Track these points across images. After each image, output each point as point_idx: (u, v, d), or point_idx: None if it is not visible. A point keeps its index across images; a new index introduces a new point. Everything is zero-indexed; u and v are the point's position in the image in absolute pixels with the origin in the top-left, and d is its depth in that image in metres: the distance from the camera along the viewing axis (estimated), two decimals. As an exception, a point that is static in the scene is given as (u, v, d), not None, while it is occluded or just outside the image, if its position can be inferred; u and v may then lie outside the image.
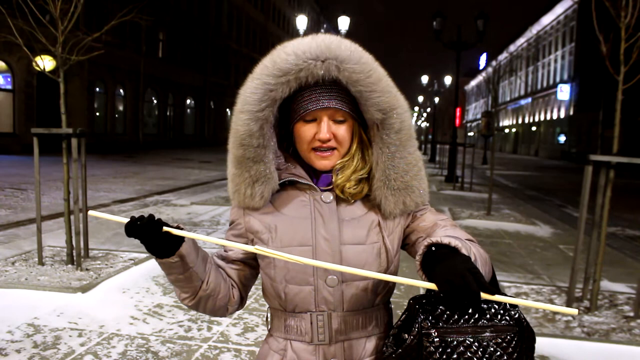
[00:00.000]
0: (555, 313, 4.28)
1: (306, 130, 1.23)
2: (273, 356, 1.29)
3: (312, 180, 1.28)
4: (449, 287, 0.95)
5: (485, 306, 1.14)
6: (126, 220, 1.09)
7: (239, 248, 1.15)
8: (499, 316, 1.14)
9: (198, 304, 1.26)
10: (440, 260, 1.01)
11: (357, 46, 1.22)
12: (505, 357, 1.09)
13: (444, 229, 1.25)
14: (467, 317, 1.12)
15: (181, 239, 1.13)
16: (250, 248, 1.10)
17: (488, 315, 1.13)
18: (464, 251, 1.03)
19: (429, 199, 1.33)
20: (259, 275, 1.35)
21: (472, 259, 1.05)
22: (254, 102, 1.19)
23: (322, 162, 1.25)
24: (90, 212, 1.18)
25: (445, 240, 1.05)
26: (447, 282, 0.96)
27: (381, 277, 1.07)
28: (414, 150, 1.27)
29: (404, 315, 1.17)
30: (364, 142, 1.28)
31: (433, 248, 1.06)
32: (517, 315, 1.15)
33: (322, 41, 1.19)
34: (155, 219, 1.09)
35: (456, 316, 1.12)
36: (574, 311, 1.02)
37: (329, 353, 1.25)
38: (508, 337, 1.11)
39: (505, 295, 1.05)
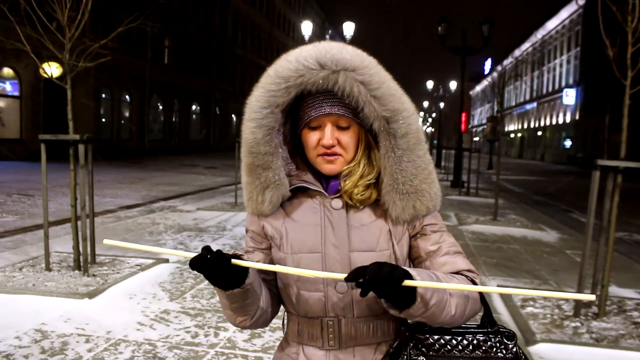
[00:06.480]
0: (562, 319, 4.24)
1: (311, 137, 1.24)
2: None
3: (322, 186, 1.29)
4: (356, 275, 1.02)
5: (481, 338, 1.15)
6: (157, 249, 1.11)
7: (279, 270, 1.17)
8: (495, 349, 1.14)
9: (255, 323, 1.27)
10: None
11: (359, 51, 1.21)
12: None
13: (445, 257, 1.25)
14: (460, 348, 1.12)
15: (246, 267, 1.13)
16: (272, 267, 1.15)
17: (483, 348, 1.12)
18: (420, 290, 1.06)
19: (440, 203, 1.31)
20: None
21: (444, 297, 1.10)
22: (258, 110, 1.21)
23: (328, 167, 1.25)
24: (113, 243, 1.14)
25: (413, 272, 1.06)
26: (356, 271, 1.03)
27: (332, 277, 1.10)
28: (423, 154, 1.24)
29: (395, 342, 1.18)
30: (371, 147, 1.27)
31: None
32: (514, 349, 1.14)
33: (324, 47, 1.19)
34: (222, 253, 1.08)
35: (449, 347, 1.12)
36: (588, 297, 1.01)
37: (340, 359, 1.25)
38: None
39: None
